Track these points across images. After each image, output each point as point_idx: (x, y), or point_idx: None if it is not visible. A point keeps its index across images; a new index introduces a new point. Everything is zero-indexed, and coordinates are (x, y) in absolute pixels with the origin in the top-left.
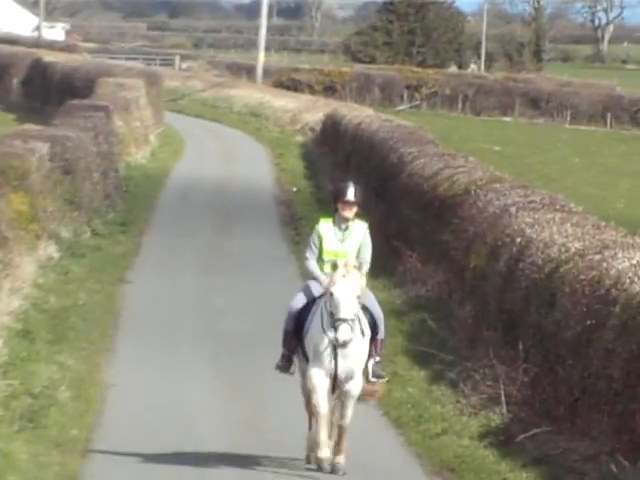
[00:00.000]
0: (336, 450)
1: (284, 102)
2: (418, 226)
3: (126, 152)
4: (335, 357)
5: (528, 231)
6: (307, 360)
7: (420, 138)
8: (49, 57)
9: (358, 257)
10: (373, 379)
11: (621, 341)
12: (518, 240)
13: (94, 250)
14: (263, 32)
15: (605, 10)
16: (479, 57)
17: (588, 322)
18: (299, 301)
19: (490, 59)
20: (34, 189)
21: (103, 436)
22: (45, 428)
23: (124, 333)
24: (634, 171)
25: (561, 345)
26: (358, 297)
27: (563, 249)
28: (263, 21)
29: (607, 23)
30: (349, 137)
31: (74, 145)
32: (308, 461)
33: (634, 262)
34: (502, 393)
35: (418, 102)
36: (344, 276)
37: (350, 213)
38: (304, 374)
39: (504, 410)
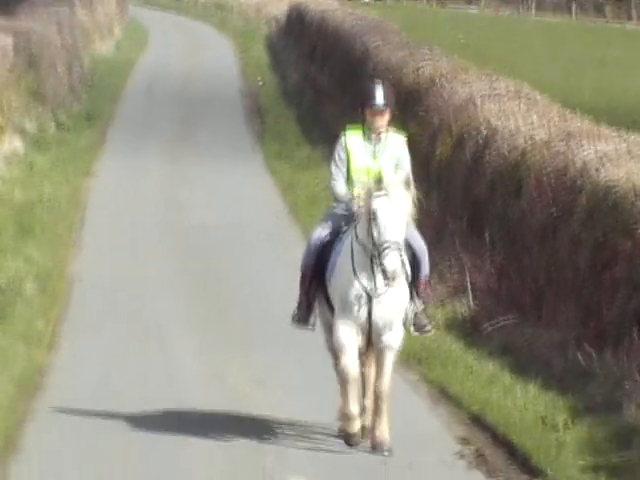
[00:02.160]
0: (375, 423)
1: None
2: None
3: (91, 45)
4: (369, 306)
5: (493, 121)
6: (332, 310)
7: (385, 29)
8: None
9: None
10: (415, 333)
11: (587, 230)
12: (483, 130)
13: (59, 143)
14: None
15: None
16: None
17: (554, 211)
18: (323, 233)
19: None
20: None
21: (69, 330)
22: (11, 321)
23: (89, 226)
24: (599, 60)
25: (527, 234)
26: (406, 217)
27: (528, 138)
28: None
29: None
30: (314, 28)
31: (38, 38)
32: (341, 433)
33: (599, 151)
34: (468, 283)
35: None
36: (388, 192)
37: (382, 122)
38: (328, 327)
39: (470, 300)
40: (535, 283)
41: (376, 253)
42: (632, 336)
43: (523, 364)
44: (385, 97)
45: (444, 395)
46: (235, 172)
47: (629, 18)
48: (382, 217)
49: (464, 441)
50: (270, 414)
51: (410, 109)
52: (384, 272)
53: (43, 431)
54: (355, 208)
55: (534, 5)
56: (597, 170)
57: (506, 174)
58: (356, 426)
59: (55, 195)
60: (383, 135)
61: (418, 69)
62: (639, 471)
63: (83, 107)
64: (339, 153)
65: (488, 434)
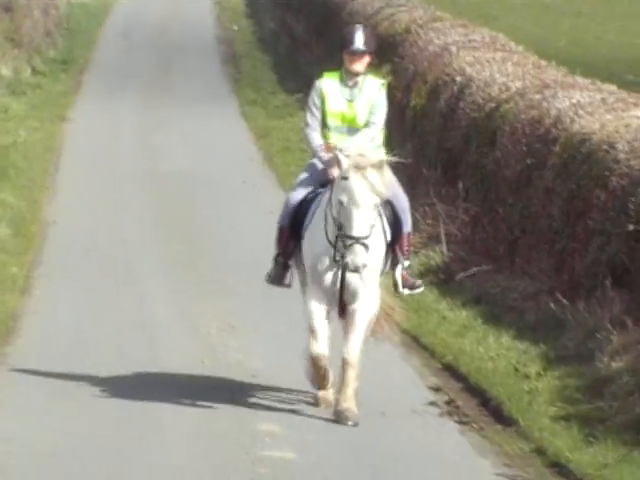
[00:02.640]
0: (342, 393)
1: None
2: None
3: None
4: (342, 274)
5: (468, 70)
6: (305, 270)
7: None
8: None
9: (369, 120)
10: (404, 290)
11: (561, 180)
12: (458, 79)
13: (34, 88)
14: None
15: None
16: None
17: (528, 161)
18: (300, 190)
19: None
20: None
21: (43, 274)
22: None
23: (64, 171)
24: (575, 11)
25: (501, 184)
26: (376, 205)
27: (503, 88)
28: None
29: None
30: None
31: None
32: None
33: (574, 101)
34: (442, 232)
35: None
36: (358, 174)
37: (360, 66)
38: (304, 285)
39: (444, 249)
40: (509, 233)
41: (341, 242)
42: (605, 287)
43: (496, 314)
44: (365, 41)
45: (417, 344)
46: (211, 118)
47: None
48: (349, 209)
49: (437, 390)
50: (241, 358)
51: (385, 57)
52: (346, 264)
53: (14, 375)
54: (328, 165)
55: None
56: (571, 120)
57: (481, 123)
58: (330, 402)
59: (30, 140)
60: (360, 79)
61: (393, 17)
62: (612, 421)
63: (59, 52)
64: (314, 99)
65: (461, 383)
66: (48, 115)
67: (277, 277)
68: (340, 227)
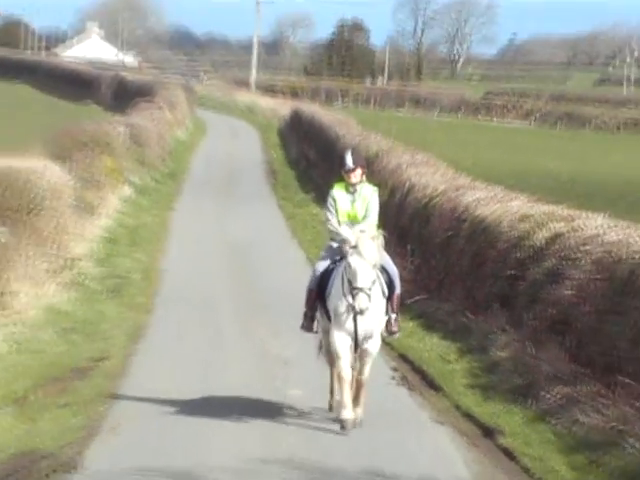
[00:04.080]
0: (354, 403)
1: (267, 102)
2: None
3: (172, 131)
4: (355, 320)
5: (413, 179)
6: (329, 319)
7: (348, 123)
8: (125, 73)
9: (365, 216)
10: (385, 334)
11: (469, 244)
12: (407, 184)
13: (154, 191)
14: (254, 60)
15: (459, 46)
16: (383, 74)
17: (449, 233)
18: (323, 263)
19: (390, 76)
20: (117, 153)
21: (160, 301)
22: (124, 296)
23: (172, 240)
24: (477, 144)
25: (433, 246)
26: (374, 266)
27: (434, 189)
28: (254, 54)
29: (459, 57)
30: (306, 122)
31: (141, 127)
32: (330, 409)
33: (476, 197)
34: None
35: (347, 104)
36: (360, 247)
37: (354, 178)
38: (326, 333)
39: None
40: (438, 275)
41: (350, 293)
42: (494, 308)
43: (430, 324)
44: (354, 160)
45: (383, 342)
46: (258, 208)
47: (492, 118)
48: (354, 269)
49: (394, 369)
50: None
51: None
52: (353, 308)
53: (145, 362)
54: (344, 237)
55: (437, 109)
56: (475, 208)
57: (421, 211)
58: (349, 413)
59: (151, 222)
60: (359, 186)
61: (368, 146)
62: (499, 388)
63: (168, 169)
64: (330, 202)
65: (409, 365)
66: (162, 207)
67: (308, 327)
68: (350, 282)
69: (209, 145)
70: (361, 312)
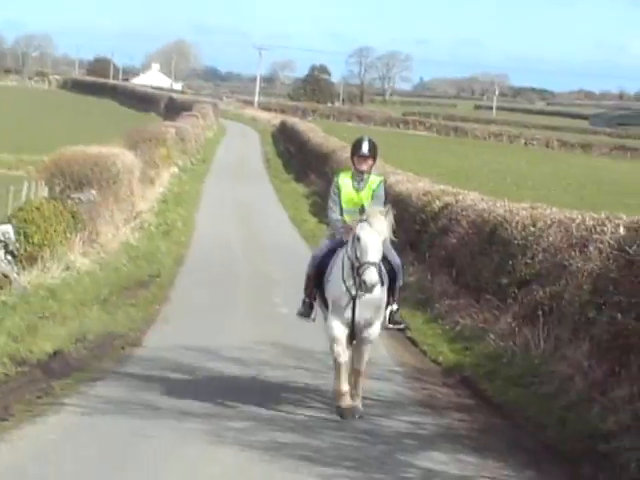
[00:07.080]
0: (352, 394)
1: (265, 115)
2: (317, 165)
3: (204, 132)
4: (353, 307)
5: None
6: (327, 307)
7: (315, 129)
8: (174, 95)
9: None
10: (390, 325)
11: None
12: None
13: (191, 170)
14: (257, 88)
15: (387, 83)
16: (339, 100)
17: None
18: (322, 248)
19: (343, 101)
20: (168, 145)
21: (195, 239)
22: (171, 236)
23: (202, 201)
24: (398, 146)
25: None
26: (384, 242)
27: (408, 192)
28: (257, 84)
29: (387, 90)
30: (289, 129)
31: (184, 129)
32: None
33: (397, 179)
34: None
35: (315, 118)
36: (370, 220)
37: (365, 166)
38: (326, 319)
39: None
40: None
41: (358, 269)
42: (407, 250)
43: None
44: (369, 148)
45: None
46: (258, 184)
47: (407, 129)
48: (363, 241)
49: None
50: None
51: (321, 171)
52: (364, 283)
53: (183, 280)
54: (344, 234)
55: (372, 123)
56: (395, 186)
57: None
58: (347, 401)
59: (190, 190)
60: (365, 176)
61: (327, 145)
62: (408, 300)
63: (201, 156)
64: (333, 189)
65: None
66: (196, 180)
67: (305, 313)
68: (356, 261)
69: (227, 141)
70: (371, 288)
